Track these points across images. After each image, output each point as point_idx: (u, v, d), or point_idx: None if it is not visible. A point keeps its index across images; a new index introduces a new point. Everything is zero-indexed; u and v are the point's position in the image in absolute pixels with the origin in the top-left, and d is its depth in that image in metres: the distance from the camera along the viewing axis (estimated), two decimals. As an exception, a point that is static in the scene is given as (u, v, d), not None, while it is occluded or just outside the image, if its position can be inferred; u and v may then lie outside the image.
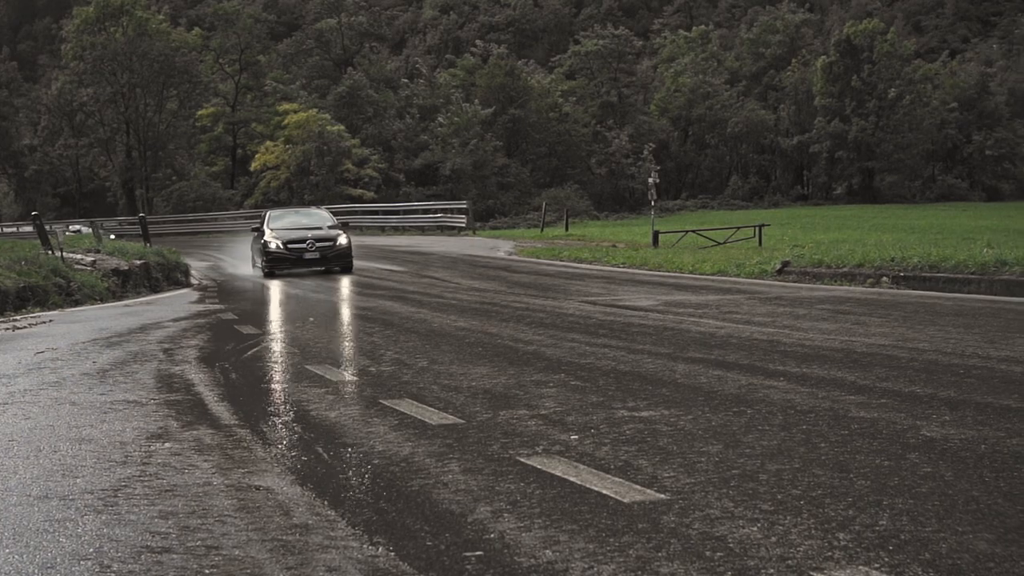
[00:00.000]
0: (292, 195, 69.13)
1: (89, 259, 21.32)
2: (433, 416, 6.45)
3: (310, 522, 4.31)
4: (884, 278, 16.40)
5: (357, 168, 69.48)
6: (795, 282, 17.44)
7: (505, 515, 4.25)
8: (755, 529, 3.89)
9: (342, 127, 71.39)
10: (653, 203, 34.69)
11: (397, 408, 6.76)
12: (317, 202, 62.88)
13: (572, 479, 4.76)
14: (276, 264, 24.32)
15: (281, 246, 24.29)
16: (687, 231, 35.30)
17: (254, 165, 73.44)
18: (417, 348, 10.04)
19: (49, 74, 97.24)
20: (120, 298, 18.80)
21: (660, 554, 3.67)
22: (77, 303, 17.20)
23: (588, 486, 4.62)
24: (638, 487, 4.56)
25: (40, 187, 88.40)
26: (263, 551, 3.94)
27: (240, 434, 6.23)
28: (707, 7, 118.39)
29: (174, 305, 17.07)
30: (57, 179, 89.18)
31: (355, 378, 8.19)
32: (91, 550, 4.00)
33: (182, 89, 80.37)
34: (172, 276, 23.10)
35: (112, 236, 40.13)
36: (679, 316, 12.26)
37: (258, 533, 4.17)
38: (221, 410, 7.08)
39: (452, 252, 32.51)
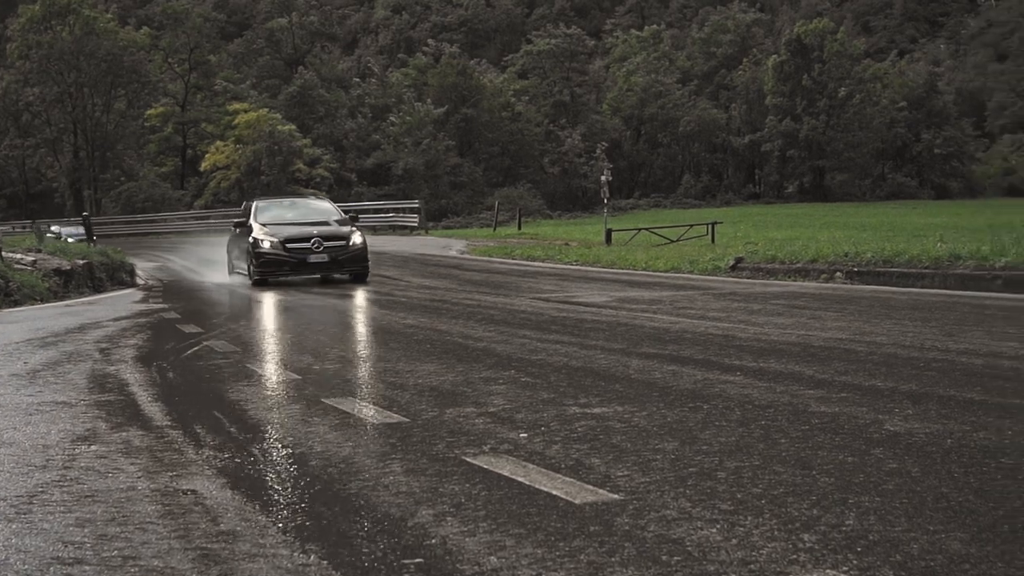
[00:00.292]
0: (243, 195, 68.22)
1: (30, 259, 20.78)
2: (377, 415, 6.16)
3: (238, 528, 4.00)
4: (838, 273, 16.26)
5: (308, 168, 68.91)
6: (749, 278, 17.28)
7: (448, 519, 3.97)
8: (714, 531, 3.64)
9: (293, 127, 70.82)
10: (606, 201, 34.53)
11: (339, 407, 6.46)
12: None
13: (520, 479, 4.48)
14: (271, 269, 19.62)
15: (277, 246, 19.50)
16: (640, 229, 35.17)
17: (204, 165, 72.68)
18: (364, 346, 9.75)
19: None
20: (62, 298, 18.30)
21: (613, 559, 3.41)
22: (16, 303, 16.70)
23: (537, 486, 4.35)
24: (590, 487, 4.29)
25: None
26: (185, 561, 3.63)
27: (172, 435, 5.90)
28: (658, 7, 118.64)
29: (116, 305, 16.63)
30: (3, 180, 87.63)
31: (298, 377, 7.87)
32: (-3, 562, 3.68)
33: (130, 89, 79.31)
34: (116, 276, 22.58)
35: (70, 239, 38.48)
36: (632, 312, 12.04)
37: (181, 541, 3.86)
38: (154, 411, 6.74)
39: (404, 251, 32.16)
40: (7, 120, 79.85)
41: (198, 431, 6.01)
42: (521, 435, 5.41)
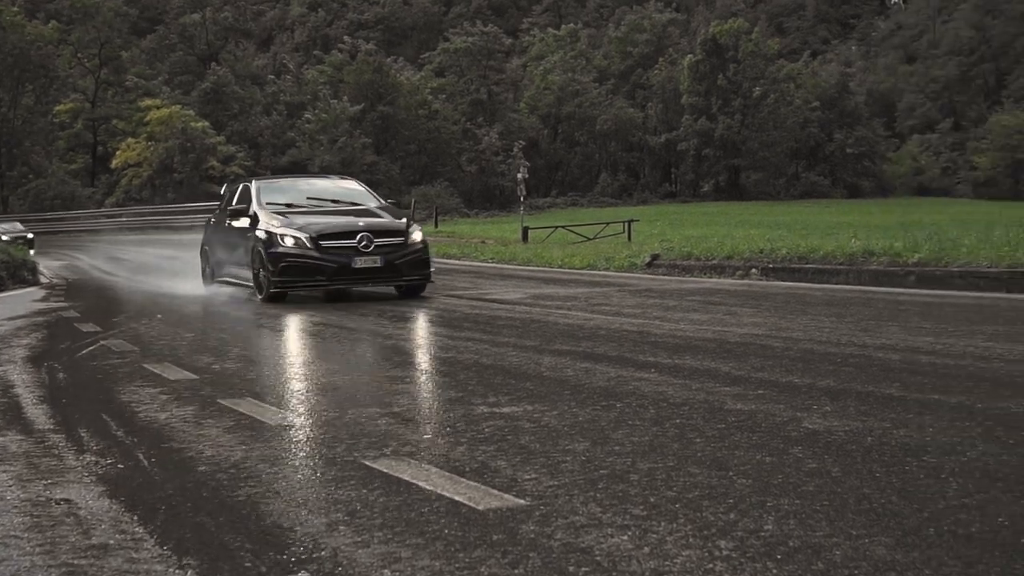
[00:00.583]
0: (155, 193, 67.32)
1: (-75, 257, 19.99)
2: (274, 416, 5.83)
3: (111, 542, 3.67)
4: (753, 270, 16.21)
5: (223, 165, 67.89)
6: (665, 275, 17.18)
7: (341, 528, 3.68)
8: (626, 538, 3.39)
9: (207, 124, 69.75)
10: (523, 198, 34.37)
11: (236, 408, 6.12)
12: (181, 200, 61.35)
13: (421, 484, 4.21)
14: (296, 278, 13.68)
15: (306, 244, 13.50)
16: (557, 227, 35.06)
17: (115, 163, 71.25)
18: (267, 344, 9.39)
19: None
20: (-42, 298, 17.61)
21: (516, 571, 3.14)
22: (-93, 303, 16.00)
23: (439, 491, 4.07)
24: (495, 492, 4.03)
25: None
26: (47, 579, 3.30)
27: (53, 440, 5.52)
28: (575, 6, 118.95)
29: (14, 303, 16.00)
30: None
31: (195, 376, 7.50)
32: None
33: (38, 84, 77.34)
34: (18, 275, 21.79)
35: (4, 237, 36.34)
36: (547, 309, 11.82)
37: (46, 557, 3.52)
38: (38, 413, 6.34)
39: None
40: (-91, 115, 77.49)
41: (82, 435, 5.63)
42: (425, 436, 5.13)
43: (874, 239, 17.37)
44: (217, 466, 4.73)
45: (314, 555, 3.40)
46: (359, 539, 3.54)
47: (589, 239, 31.11)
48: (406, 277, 13.85)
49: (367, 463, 4.60)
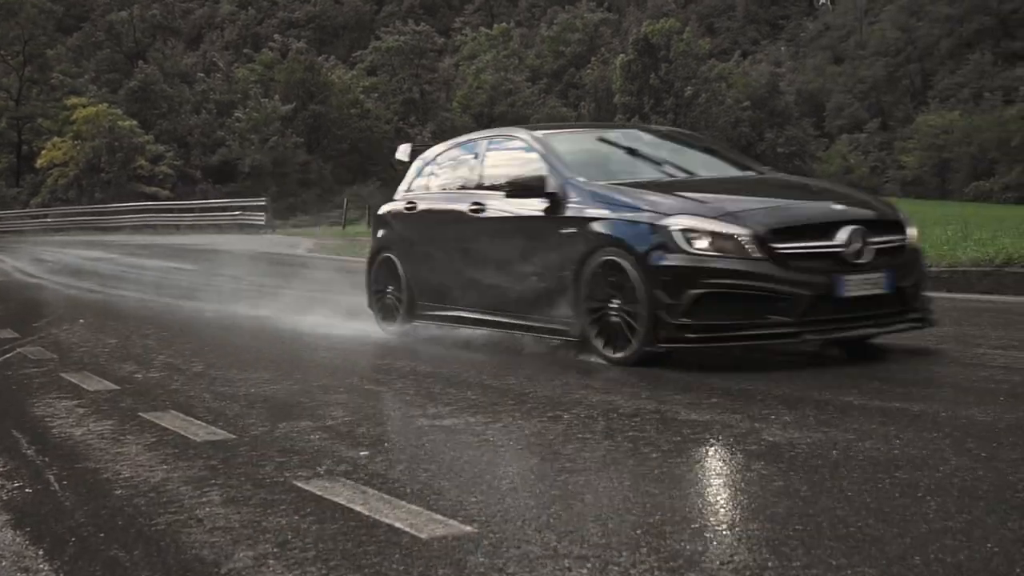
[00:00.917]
0: (82, 193, 65.91)
1: None
2: (199, 431, 5.45)
3: (12, 581, 3.30)
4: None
5: (151, 165, 66.65)
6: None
7: (270, 561, 3.33)
8: (585, 571, 3.09)
9: (134, 123, 68.42)
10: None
11: (158, 422, 5.73)
12: (108, 201, 60.14)
13: (359, 508, 3.87)
14: (730, 315, 6.57)
15: (747, 245, 6.58)
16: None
17: (40, 162, 69.65)
18: (195, 351, 8.96)
19: None
20: None
21: (466, 613, 2.83)
22: None
23: (378, 517, 3.74)
24: (439, 517, 3.70)
25: None
26: (-65, 629, 2.93)
27: (-44, 461, 5.11)
28: (507, 6, 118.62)
29: (-71, 309, 15.37)
30: None
31: (116, 387, 7.08)
32: None
33: (-41, 82, 75.64)
34: (-66, 279, 21.10)
35: None
36: (485, 311, 11.48)
37: (-64, 601, 3.15)
38: (-57, 431, 5.90)
39: (249, 250, 31.00)
40: None
41: (-11, 454, 5.22)
42: (361, 453, 4.78)
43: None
44: (135, 489, 4.35)
45: (240, 594, 3.06)
46: (291, 575, 3.20)
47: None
48: (914, 314, 7.13)
49: (299, 484, 4.26)
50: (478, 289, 8.25)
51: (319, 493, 4.10)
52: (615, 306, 6.89)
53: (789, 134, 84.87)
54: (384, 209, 10.38)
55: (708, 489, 3.93)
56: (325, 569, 3.23)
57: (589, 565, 3.13)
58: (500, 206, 8.07)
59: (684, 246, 6.59)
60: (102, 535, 3.75)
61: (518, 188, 7.80)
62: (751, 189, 7.82)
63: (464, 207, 8.45)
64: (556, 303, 7.36)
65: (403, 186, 10.23)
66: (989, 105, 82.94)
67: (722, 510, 3.65)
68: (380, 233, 10.25)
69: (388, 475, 4.34)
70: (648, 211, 6.85)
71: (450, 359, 7.68)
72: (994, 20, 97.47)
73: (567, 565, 3.14)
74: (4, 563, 3.48)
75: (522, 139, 8.50)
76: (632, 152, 8.62)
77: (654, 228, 6.72)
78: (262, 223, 49.25)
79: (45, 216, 61.13)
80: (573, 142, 8.74)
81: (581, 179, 7.51)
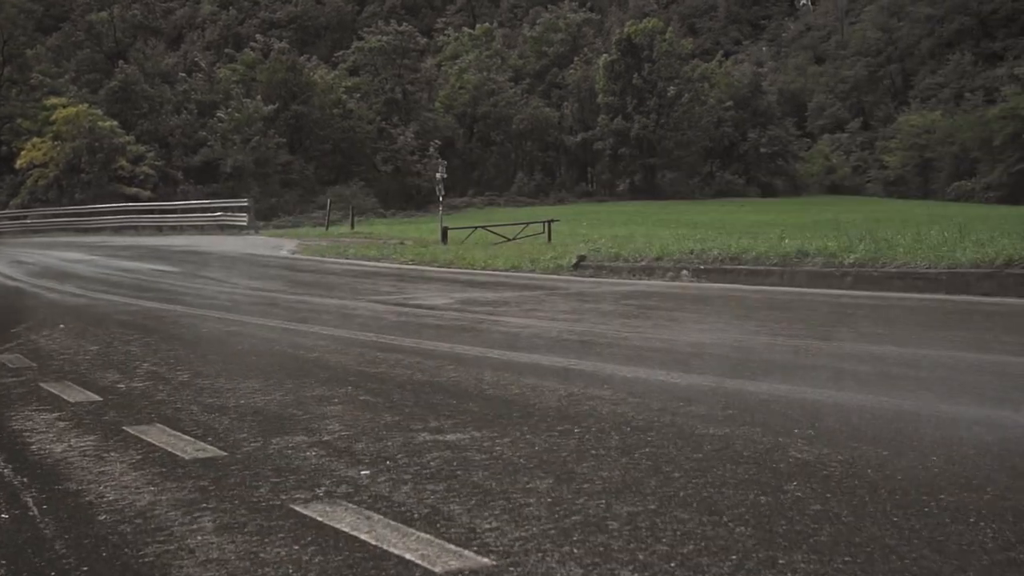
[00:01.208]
0: (62, 194, 65.29)
1: None
2: (188, 447, 5.14)
3: (-13, 624, 3.00)
4: (684, 271, 15.77)
5: (132, 165, 66.10)
6: (593, 276, 16.67)
7: (271, 600, 3.04)
8: (621, 612, 2.80)
9: (115, 123, 67.84)
10: (441, 197, 33.72)
11: (144, 437, 5.42)
12: (89, 201, 59.57)
13: (364, 537, 3.57)
14: None
15: None
16: (476, 227, 34.42)
17: (19, 163, 69.01)
18: (180, 358, 8.63)
19: None
20: None
21: (494, 663, 2.54)
22: None
23: (386, 547, 3.44)
24: (452, 547, 3.41)
25: None
26: None
27: (-71, 481, 4.78)
28: (489, 6, 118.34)
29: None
30: None
31: (98, 398, 6.75)
32: None
33: (-64, 82, 74.86)
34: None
35: None
36: (477, 315, 11.19)
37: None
38: (-85, 447, 5.57)
39: (232, 252, 30.63)
40: None
41: (-36, 474, 4.90)
42: (362, 472, 4.49)
43: (805, 239, 17.03)
44: (120, 515, 4.05)
45: (239, 639, 2.77)
46: (294, 616, 2.91)
47: (509, 239, 30.51)
48: None
49: (298, 508, 3.96)
50: None
51: (320, 519, 3.81)
52: None
53: (772, 134, 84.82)
54: None
55: (740, 513, 3.64)
56: (332, 610, 2.93)
57: (625, 605, 2.84)
58: None
59: None
60: (85, 568, 3.45)
61: None
62: None
63: None
64: None
65: None
66: (970, 105, 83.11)
67: (760, 538, 3.37)
68: None
69: (393, 498, 4.05)
70: None
71: (448, 368, 7.38)
72: (974, 20, 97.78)
73: (600, 605, 2.85)
74: (-22, 602, 3.18)
75: None
76: None
77: None
78: (244, 224, 48.85)
79: (25, 217, 60.62)
80: None
81: None
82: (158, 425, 5.72)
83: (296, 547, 3.51)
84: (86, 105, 68.94)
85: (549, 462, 4.50)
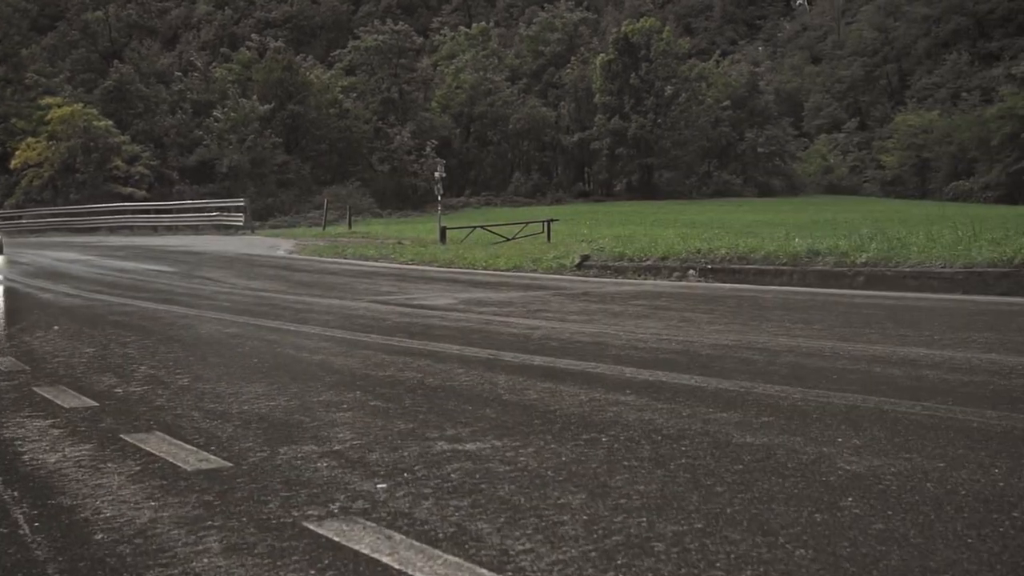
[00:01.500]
0: (57, 194, 64.96)
1: None
2: (190, 457, 4.83)
3: (-28, 663, 2.69)
4: (691, 271, 15.49)
5: (127, 165, 65.76)
6: (597, 276, 16.39)
7: (288, 634, 2.74)
8: (683, 651, 2.50)
9: (110, 123, 67.51)
10: (439, 197, 33.42)
11: (143, 446, 5.11)
12: (84, 201, 59.23)
13: (386, 560, 3.26)
14: None
15: None
16: (475, 227, 34.12)
17: (14, 163, 68.64)
18: (179, 360, 8.32)
19: None
20: None
21: None
22: None
23: (411, 572, 3.14)
24: (485, 572, 3.10)
25: None
26: None
27: (-87, 495, 4.47)
28: (485, 6, 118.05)
29: None
30: None
31: (94, 404, 6.44)
32: None
33: (-70, 82, 74.45)
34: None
35: None
36: (483, 316, 10.89)
37: None
38: (-100, 456, 5.26)
39: (228, 252, 30.31)
40: None
41: (-49, 486, 4.59)
42: (379, 485, 4.18)
43: (815, 238, 16.74)
44: (119, 533, 3.74)
45: None
46: (315, 654, 2.60)
47: (508, 239, 30.21)
48: None
49: (311, 527, 3.65)
50: None
51: (336, 539, 3.50)
52: None
53: (769, 134, 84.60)
54: None
55: (796, 533, 3.33)
56: (358, 646, 2.63)
57: (686, 642, 2.54)
58: None
59: None
60: (81, 595, 3.15)
61: None
62: None
63: None
64: None
65: None
66: (967, 105, 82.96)
67: (825, 563, 3.07)
68: None
69: (414, 515, 3.74)
70: None
71: (459, 371, 7.07)
72: (970, 20, 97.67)
73: (659, 642, 2.55)
74: (-38, 636, 2.88)
75: None
76: None
77: None
78: (241, 224, 48.57)
79: (19, 217, 60.34)
80: None
81: None
82: (158, 433, 5.41)
83: (312, 572, 3.20)
84: (81, 105, 68.63)
85: (579, 474, 4.19)
